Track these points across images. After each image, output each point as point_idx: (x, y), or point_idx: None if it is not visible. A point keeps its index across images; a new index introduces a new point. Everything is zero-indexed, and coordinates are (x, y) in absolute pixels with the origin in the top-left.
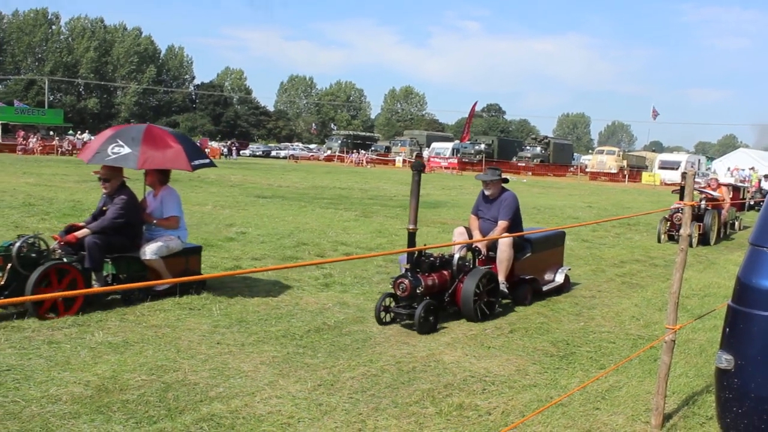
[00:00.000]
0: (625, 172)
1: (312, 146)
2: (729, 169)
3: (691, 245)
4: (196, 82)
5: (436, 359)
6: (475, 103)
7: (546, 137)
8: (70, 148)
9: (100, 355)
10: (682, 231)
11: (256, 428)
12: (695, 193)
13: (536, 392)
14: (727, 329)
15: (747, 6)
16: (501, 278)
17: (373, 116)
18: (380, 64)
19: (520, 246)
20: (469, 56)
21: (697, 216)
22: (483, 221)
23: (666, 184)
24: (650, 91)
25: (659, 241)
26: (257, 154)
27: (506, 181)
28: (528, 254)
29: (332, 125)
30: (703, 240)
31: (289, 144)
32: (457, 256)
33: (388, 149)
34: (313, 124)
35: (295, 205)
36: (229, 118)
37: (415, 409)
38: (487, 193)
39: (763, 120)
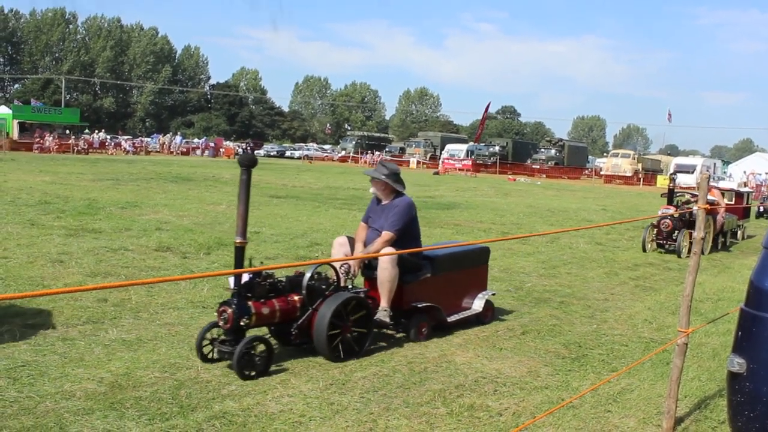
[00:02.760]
0: (640, 176)
1: (326, 147)
2: (745, 173)
3: (679, 255)
4: (212, 82)
5: (448, 360)
6: (489, 104)
7: (561, 140)
8: (86, 147)
9: (114, 352)
10: (696, 234)
11: (268, 426)
12: (686, 195)
13: (547, 394)
14: (740, 333)
15: (765, 9)
16: (383, 304)
17: (387, 117)
18: (395, 65)
19: (414, 265)
20: (485, 58)
21: (689, 222)
22: (371, 231)
23: (681, 188)
24: (666, 94)
25: (644, 250)
26: (272, 154)
27: (399, 181)
28: (427, 275)
29: (347, 126)
30: None
31: (304, 144)
32: (307, 275)
33: (402, 150)
34: (328, 125)
35: (309, 206)
36: (244, 118)
37: (427, 409)
38: (376, 194)
39: None
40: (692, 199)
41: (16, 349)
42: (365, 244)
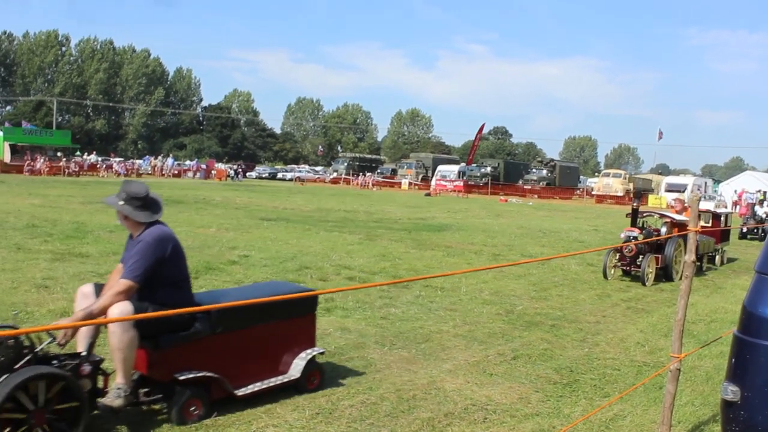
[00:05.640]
0: (632, 195)
1: (318, 168)
2: (736, 191)
3: (643, 283)
4: (204, 104)
5: (437, 387)
6: (482, 126)
7: (552, 160)
8: (77, 170)
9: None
10: (686, 257)
11: None
12: (655, 217)
13: (539, 421)
14: (734, 360)
15: (754, 30)
16: (118, 379)
17: (379, 139)
18: (387, 86)
19: (178, 322)
20: (476, 79)
21: (656, 246)
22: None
23: (670, 206)
24: (657, 114)
25: (606, 276)
26: (263, 176)
27: (145, 207)
28: (203, 335)
29: (339, 147)
30: (665, 274)
31: (296, 166)
32: None
33: (394, 172)
34: (320, 147)
35: (299, 228)
36: (236, 140)
37: None
38: (123, 225)
39: None
40: (664, 219)
41: None
42: None
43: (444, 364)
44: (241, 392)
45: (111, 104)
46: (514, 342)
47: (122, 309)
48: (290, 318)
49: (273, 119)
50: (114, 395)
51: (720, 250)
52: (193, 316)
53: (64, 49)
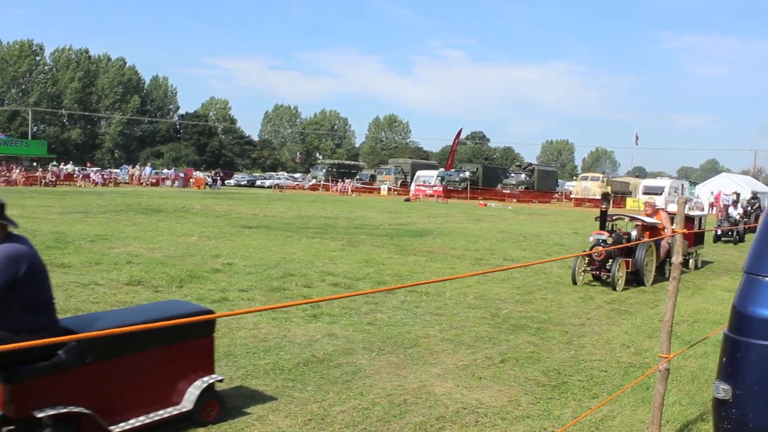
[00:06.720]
0: (600, 198)
1: (297, 175)
2: (712, 193)
3: (614, 288)
4: (181, 112)
5: (428, 391)
6: (460, 131)
7: (530, 164)
8: (54, 180)
9: None
10: (674, 259)
11: None
12: (625, 220)
13: (530, 423)
14: (725, 359)
15: (725, 33)
16: None
17: (357, 144)
18: (364, 92)
19: (36, 352)
20: (454, 84)
21: (627, 250)
22: None
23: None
24: (633, 117)
25: (575, 282)
26: (242, 183)
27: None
28: (69, 365)
29: (317, 154)
30: (636, 279)
31: (274, 173)
32: None
33: (373, 178)
34: (298, 153)
35: (281, 235)
36: (213, 148)
37: None
38: None
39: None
40: (634, 223)
41: None
42: None
43: (433, 369)
44: (118, 429)
45: (87, 113)
46: (501, 345)
47: None
48: (180, 342)
49: (250, 127)
50: None
51: (694, 254)
52: (55, 343)
53: (38, 58)
